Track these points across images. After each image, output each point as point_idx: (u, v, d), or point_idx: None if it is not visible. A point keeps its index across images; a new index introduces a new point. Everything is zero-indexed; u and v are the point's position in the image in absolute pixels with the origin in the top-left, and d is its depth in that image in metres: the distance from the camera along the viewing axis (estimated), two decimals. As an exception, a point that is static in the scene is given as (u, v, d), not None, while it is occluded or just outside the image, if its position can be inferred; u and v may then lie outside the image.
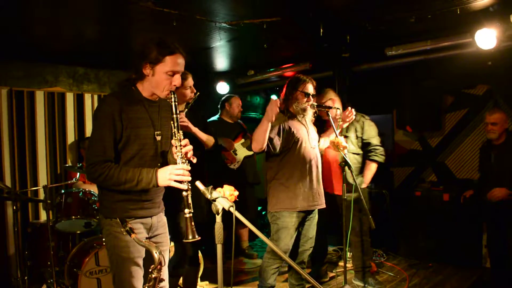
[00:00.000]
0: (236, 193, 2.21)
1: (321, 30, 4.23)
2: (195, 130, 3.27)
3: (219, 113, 5.29)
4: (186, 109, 3.33)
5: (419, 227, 5.20)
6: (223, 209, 2.01)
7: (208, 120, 5.19)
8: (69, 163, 5.21)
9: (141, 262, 2.34)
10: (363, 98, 6.09)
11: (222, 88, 6.40)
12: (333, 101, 4.05)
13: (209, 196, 2.05)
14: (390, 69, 5.43)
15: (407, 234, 5.31)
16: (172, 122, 2.26)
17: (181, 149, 2.23)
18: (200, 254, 4.10)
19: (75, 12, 3.62)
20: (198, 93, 3.34)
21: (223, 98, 5.29)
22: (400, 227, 5.42)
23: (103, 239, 3.74)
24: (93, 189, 4.20)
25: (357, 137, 4.18)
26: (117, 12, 3.66)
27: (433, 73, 5.44)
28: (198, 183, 2.11)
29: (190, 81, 3.30)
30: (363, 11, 3.93)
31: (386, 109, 6.39)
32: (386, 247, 5.39)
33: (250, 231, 5.41)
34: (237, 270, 5.02)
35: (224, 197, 2.05)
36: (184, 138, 2.26)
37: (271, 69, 6.08)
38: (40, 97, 5.06)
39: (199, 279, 3.93)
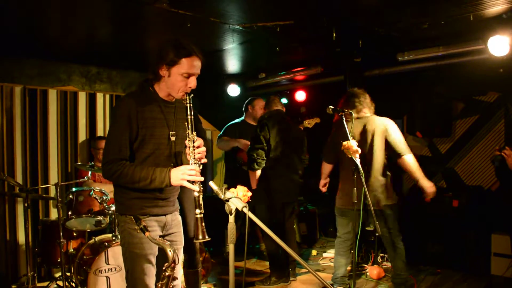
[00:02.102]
0: (249, 193, 2.23)
1: (334, 35, 4.24)
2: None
3: (243, 116, 5.38)
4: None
5: (428, 233, 5.18)
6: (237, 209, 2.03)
7: (231, 123, 5.27)
8: (80, 162, 5.25)
9: (153, 259, 2.37)
10: (373, 103, 6.09)
11: (233, 90, 6.42)
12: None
13: (222, 196, 2.07)
14: (401, 75, 5.43)
15: (415, 240, 5.28)
16: (186, 123, 2.29)
17: (194, 150, 2.26)
18: (208, 255, 4.12)
19: (90, 12, 3.66)
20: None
21: (247, 101, 5.34)
22: (408, 233, 5.39)
23: (113, 238, 3.78)
24: (104, 188, 4.23)
25: None
26: (131, 12, 3.68)
27: (444, 79, 5.43)
28: (212, 183, 2.13)
29: None
30: (376, 16, 3.94)
31: (396, 114, 6.37)
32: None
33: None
34: (252, 271, 5.05)
35: (237, 197, 2.07)
36: (197, 139, 2.29)
37: (282, 73, 6.10)
38: (53, 95, 5.11)
39: (207, 281, 3.93)
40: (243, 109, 5.36)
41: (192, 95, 3.37)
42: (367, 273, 4.71)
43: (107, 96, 5.57)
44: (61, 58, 5.20)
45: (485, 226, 4.72)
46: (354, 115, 3.74)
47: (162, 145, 2.39)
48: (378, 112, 4.23)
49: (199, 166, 2.26)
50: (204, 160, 2.32)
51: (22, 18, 3.74)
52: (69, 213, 3.99)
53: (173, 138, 2.42)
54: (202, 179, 2.24)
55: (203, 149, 2.32)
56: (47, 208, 5.04)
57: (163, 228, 2.45)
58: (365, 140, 3.92)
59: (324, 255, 5.54)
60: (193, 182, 2.22)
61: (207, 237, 2.18)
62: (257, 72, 6.46)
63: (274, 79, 6.26)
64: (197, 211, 2.19)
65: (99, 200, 4.03)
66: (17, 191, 4.23)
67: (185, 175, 2.22)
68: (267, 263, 5.26)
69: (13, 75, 4.87)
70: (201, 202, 2.21)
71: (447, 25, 3.96)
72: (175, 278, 2.04)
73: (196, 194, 2.21)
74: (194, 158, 2.25)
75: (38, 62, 5.06)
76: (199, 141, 2.30)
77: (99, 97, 5.51)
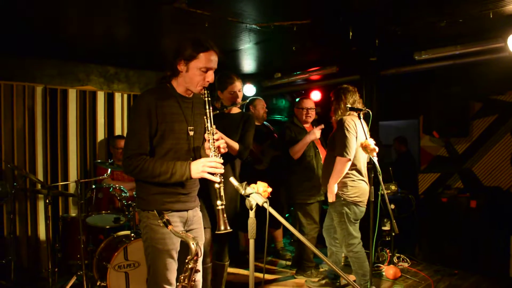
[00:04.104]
0: (270, 189, 2.25)
1: (350, 34, 4.24)
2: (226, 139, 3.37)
3: None
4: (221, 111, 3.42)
5: (445, 233, 5.14)
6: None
7: None
8: (99, 160, 5.33)
9: (175, 255, 2.39)
10: (389, 102, 6.08)
11: (249, 90, 6.46)
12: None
13: (243, 192, 2.09)
14: (417, 74, 5.40)
15: (432, 240, 5.25)
16: (205, 117, 2.34)
17: (214, 142, 2.31)
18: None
19: (108, 12, 3.72)
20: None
21: (247, 101, 5.33)
22: (425, 233, 5.37)
23: (132, 235, 3.84)
24: (123, 185, 4.30)
25: None
26: (150, 12, 3.74)
27: (461, 78, 5.39)
28: (232, 179, 2.16)
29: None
30: (393, 15, 3.93)
31: (413, 114, 6.35)
32: (410, 252, 5.34)
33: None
34: (268, 269, 5.08)
35: (257, 193, 2.09)
36: (216, 132, 2.34)
37: (297, 72, 6.10)
38: (72, 95, 5.21)
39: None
40: (244, 110, 5.34)
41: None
42: (383, 273, 4.69)
43: (125, 96, 5.66)
44: (80, 59, 5.31)
45: (504, 227, 4.67)
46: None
47: (182, 139, 2.42)
48: (394, 111, 4.24)
49: (220, 158, 2.30)
50: (223, 150, 2.36)
51: (42, 19, 3.83)
52: (89, 209, 4.06)
53: (191, 133, 2.46)
54: (222, 171, 2.28)
55: (222, 141, 2.36)
56: (67, 204, 5.13)
57: (185, 224, 2.48)
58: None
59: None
60: (213, 174, 2.26)
61: (228, 228, 2.21)
62: (272, 72, 6.48)
63: (290, 78, 6.28)
64: (218, 202, 2.24)
65: (118, 197, 4.09)
66: (38, 187, 4.31)
67: (205, 167, 2.26)
68: (283, 261, 5.30)
69: (34, 75, 4.99)
70: (222, 193, 2.25)
71: (466, 23, 3.92)
72: (197, 271, 2.07)
73: (216, 186, 2.26)
74: (214, 151, 2.30)
75: (58, 62, 5.18)
76: (218, 134, 2.35)
77: (117, 96, 5.59)
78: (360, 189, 3.80)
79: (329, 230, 4.20)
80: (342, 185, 3.78)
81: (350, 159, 3.66)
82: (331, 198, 3.82)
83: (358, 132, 3.72)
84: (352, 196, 3.76)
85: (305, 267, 4.66)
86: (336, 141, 3.77)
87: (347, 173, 3.78)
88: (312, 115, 4.70)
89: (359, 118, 3.68)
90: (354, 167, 3.79)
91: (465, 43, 4.48)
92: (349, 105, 3.66)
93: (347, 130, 3.66)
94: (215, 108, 3.48)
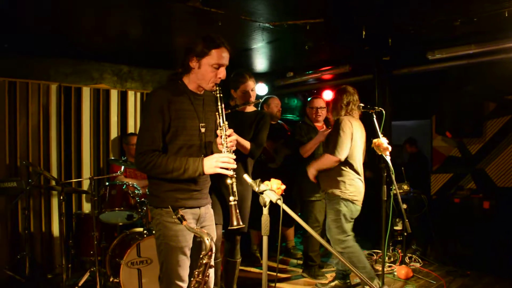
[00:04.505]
0: (283, 186, 2.26)
1: (364, 33, 4.23)
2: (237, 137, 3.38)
3: None
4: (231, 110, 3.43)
5: (457, 234, 5.10)
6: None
7: None
8: (112, 157, 5.38)
9: (188, 252, 2.41)
10: (401, 102, 6.04)
11: (261, 89, 6.46)
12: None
13: (256, 189, 2.10)
14: (430, 73, 5.37)
15: (445, 240, 5.22)
16: (217, 113, 2.37)
17: (226, 138, 2.32)
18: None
19: (122, 11, 3.77)
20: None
21: (262, 100, 5.35)
22: (437, 233, 5.34)
23: (144, 232, 3.87)
24: (136, 182, 4.34)
25: None
26: (163, 11, 3.77)
27: (475, 78, 5.35)
28: (246, 176, 2.17)
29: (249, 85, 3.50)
30: (407, 14, 3.92)
31: (425, 114, 6.31)
32: (422, 252, 5.30)
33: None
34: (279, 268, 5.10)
35: (271, 190, 2.10)
36: (228, 129, 2.36)
37: (310, 72, 6.10)
38: (86, 93, 5.26)
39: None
40: (259, 109, 5.35)
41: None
42: (395, 273, 4.68)
43: (138, 94, 5.70)
44: (94, 57, 5.36)
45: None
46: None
47: (194, 136, 2.44)
48: (406, 111, 4.22)
49: (232, 153, 2.32)
50: (233, 147, 2.38)
51: (57, 18, 3.88)
52: (102, 206, 4.10)
53: (203, 130, 2.47)
54: (235, 166, 2.29)
55: (235, 137, 2.38)
56: (80, 201, 5.19)
57: (197, 221, 2.49)
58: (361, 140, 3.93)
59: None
60: (226, 170, 2.28)
61: (241, 223, 2.23)
62: (285, 71, 6.48)
63: (302, 78, 6.28)
64: (231, 198, 2.26)
65: (131, 195, 4.12)
66: (52, 184, 4.37)
67: (218, 163, 2.27)
68: (294, 260, 5.31)
69: (49, 74, 5.06)
70: (234, 189, 2.27)
71: (480, 22, 3.90)
72: (211, 266, 2.09)
73: (229, 181, 2.28)
74: (227, 147, 2.32)
75: (72, 61, 5.24)
76: (230, 130, 2.37)
77: (130, 95, 5.64)
78: (357, 188, 3.82)
79: None
80: (340, 183, 3.80)
81: (340, 159, 3.68)
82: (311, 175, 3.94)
83: (354, 133, 3.75)
84: (349, 194, 3.78)
85: (308, 265, 4.66)
86: (330, 140, 3.83)
87: (345, 171, 3.81)
88: (323, 114, 4.72)
89: (360, 118, 3.69)
90: (351, 166, 3.82)
91: (480, 42, 4.45)
92: (361, 104, 3.65)
93: (343, 130, 3.70)
94: (228, 107, 3.50)
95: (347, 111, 3.83)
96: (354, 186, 3.79)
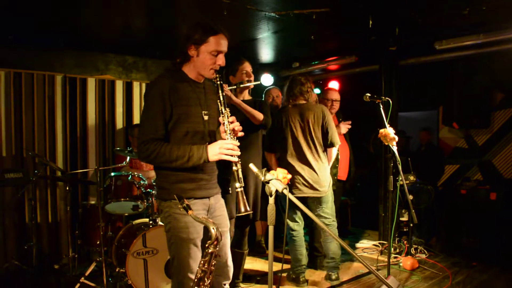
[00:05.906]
0: (289, 176, 2.24)
1: (370, 22, 4.19)
2: (238, 101, 3.39)
3: None
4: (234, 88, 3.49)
5: (464, 225, 5.08)
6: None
7: None
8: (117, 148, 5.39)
9: (199, 243, 2.36)
10: (408, 93, 5.99)
11: (267, 79, 6.42)
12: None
13: (262, 178, 2.09)
14: (438, 64, 5.31)
15: (451, 232, 5.20)
16: (218, 100, 2.35)
17: (229, 125, 2.32)
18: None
19: (127, 2, 3.75)
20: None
21: (264, 92, 5.35)
22: (443, 224, 5.32)
23: (150, 222, 3.88)
24: (141, 173, 4.34)
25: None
26: (168, 1, 3.74)
27: (483, 68, 5.29)
28: (252, 166, 2.16)
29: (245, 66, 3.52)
30: (414, 3, 3.86)
31: (432, 105, 6.26)
32: (428, 244, 5.29)
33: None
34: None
35: (277, 179, 2.09)
36: (231, 116, 2.35)
37: (315, 62, 6.06)
38: (91, 84, 5.26)
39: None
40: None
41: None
42: (401, 264, 4.67)
43: (143, 85, 5.68)
44: (99, 48, 5.35)
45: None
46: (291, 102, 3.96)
47: (197, 123, 2.41)
48: (412, 102, 4.19)
49: (236, 140, 2.31)
50: (241, 134, 2.38)
51: (63, 10, 3.87)
52: (108, 197, 4.10)
53: (206, 118, 2.45)
54: (239, 153, 2.28)
55: (237, 123, 2.37)
56: (86, 192, 5.21)
57: (208, 211, 2.46)
58: (303, 127, 3.89)
59: (357, 245, 5.51)
60: (231, 157, 2.28)
61: (248, 209, 2.23)
62: (290, 62, 6.45)
63: (308, 68, 6.24)
64: (237, 185, 2.26)
65: (136, 185, 4.12)
66: (58, 175, 4.38)
67: (222, 149, 2.26)
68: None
69: (54, 65, 5.06)
70: (240, 176, 2.27)
71: (489, 11, 3.84)
72: (217, 256, 2.08)
73: (234, 168, 2.28)
74: (230, 133, 2.30)
75: (76, 52, 5.24)
76: (233, 117, 2.36)
77: (135, 85, 5.62)
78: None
79: None
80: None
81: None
82: None
83: (285, 123, 3.85)
84: None
85: (314, 256, 4.63)
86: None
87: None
88: (337, 106, 4.75)
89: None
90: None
91: (488, 31, 4.39)
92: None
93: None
94: (230, 84, 3.54)
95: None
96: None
